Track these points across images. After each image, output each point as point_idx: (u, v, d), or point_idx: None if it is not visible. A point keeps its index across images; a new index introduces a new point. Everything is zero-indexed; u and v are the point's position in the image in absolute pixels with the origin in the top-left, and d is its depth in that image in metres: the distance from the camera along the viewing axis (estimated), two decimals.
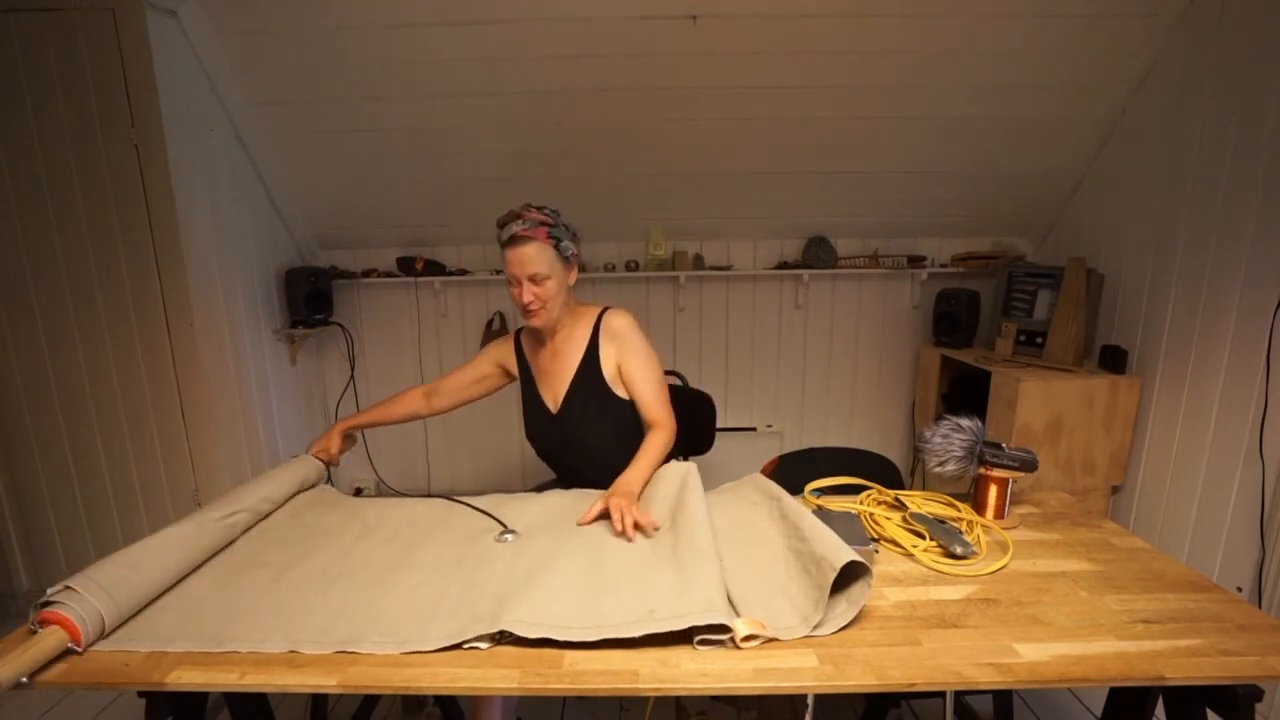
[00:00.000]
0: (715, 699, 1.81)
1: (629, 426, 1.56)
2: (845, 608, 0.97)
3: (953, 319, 2.82)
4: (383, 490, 3.25)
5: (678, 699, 1.84)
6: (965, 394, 2.75)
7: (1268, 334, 1.81)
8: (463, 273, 2.98)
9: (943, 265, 3.01)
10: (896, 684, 0.86)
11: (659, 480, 1.37)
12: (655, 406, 1.49)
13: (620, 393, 1.53)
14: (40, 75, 2.00)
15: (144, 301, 2.16)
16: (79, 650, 0.90)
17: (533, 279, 1.42)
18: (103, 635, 0.94)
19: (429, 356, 3.14)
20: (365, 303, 3.08)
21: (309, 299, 2.75)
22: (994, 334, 2.73)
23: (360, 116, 2.41)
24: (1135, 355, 2.35)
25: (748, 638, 0.91)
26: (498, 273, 2.98)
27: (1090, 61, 2.26)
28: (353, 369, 3.12)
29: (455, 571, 1.10)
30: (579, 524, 1.25)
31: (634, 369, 1.50)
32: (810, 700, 1.50)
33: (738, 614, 0.95)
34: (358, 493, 3.24)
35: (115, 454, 2.28)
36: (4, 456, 2.29)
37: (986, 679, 0.87)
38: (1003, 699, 1.64)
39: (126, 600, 0.97)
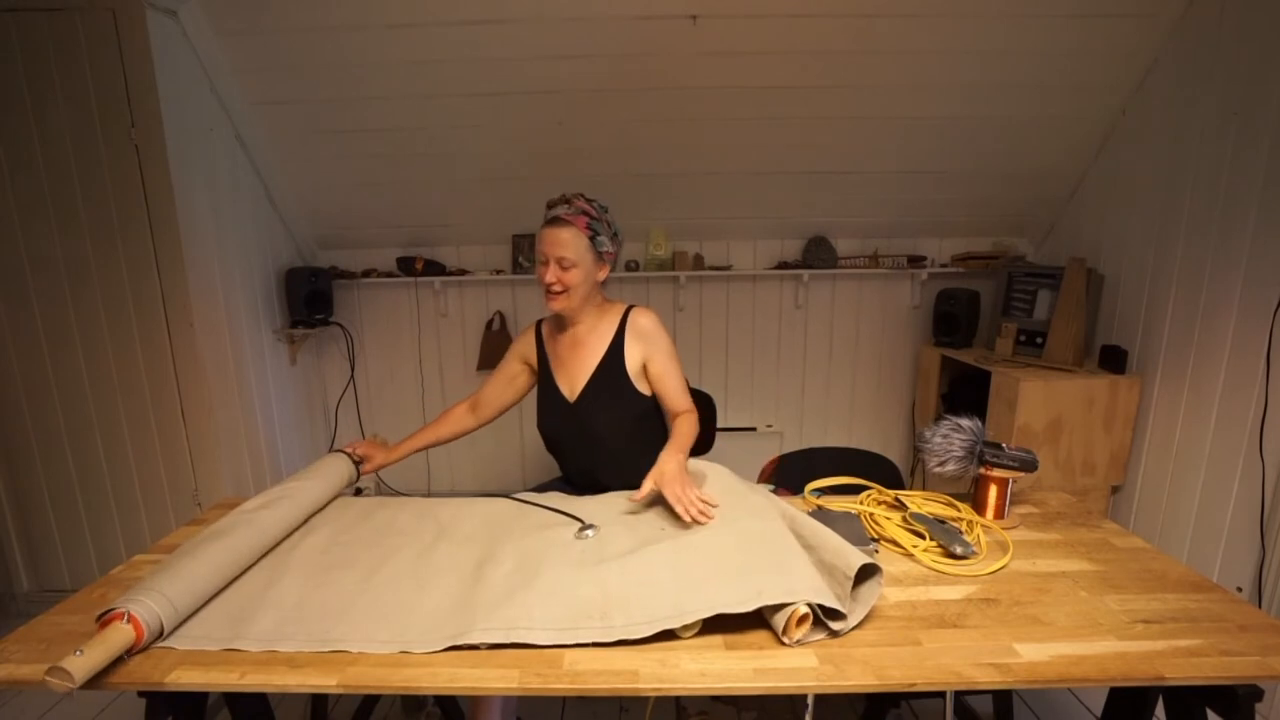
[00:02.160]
0: (715, 699, 1.81)
1: (642, 422, 1.57)
2: (856, 608, 0.97)
3: (953, 319, 2.82)
4: (383, 490, 3.24)
5: (678, 699, 1.84)
6: (965, 394, 2.75)
7: (1268, 334, 1.81)
8: (463, 273, 2.98)
9: (943, 265, 3.01)
10: (896, 684, 0.86)
11: (718, 478, 1.37)
12: (682, 397, 1.55)
13: (641, 388, 1.55)
14: (40, 75, 2.00)
15: (144, 301, 2.16)
16: (126, 656, 0.89)
17: (560, 262, 1.44)
18: (160, 637, 0.94)
19: (429, 356, 3.14)
20: (365, 303, 3.08)
21: (309, 299, 2.75)
22: (994, 334, 2.73)
23: (360, 116, 2.41)
24: (1135, 355, 2.35)
25: (802, 619, 0.92)
26: (498, 272, 2.98)
27: (1090, 61, 2.26)
28: (353, 369, 3.12)
29: (543, 563, 1.10)
30: (632, 499, 1.28)
31: (663, 366, 1.54)
32: (810, 700, 1.50)
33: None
34: (358, 493, 3.23)
35: (115, 454, 2.28)
36: (4, 456, 2.29)
37: (986, 679, 0.87)
38: (1003, 699, 1.64)
39: (184, 608, 0.97)
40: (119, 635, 0.87)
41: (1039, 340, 2.56)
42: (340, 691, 0.86)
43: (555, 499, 1.42)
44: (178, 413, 2.25)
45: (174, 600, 0.94)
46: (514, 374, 1.69)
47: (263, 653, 0.92)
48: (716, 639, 0.95)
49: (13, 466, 2.30)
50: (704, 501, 1.21)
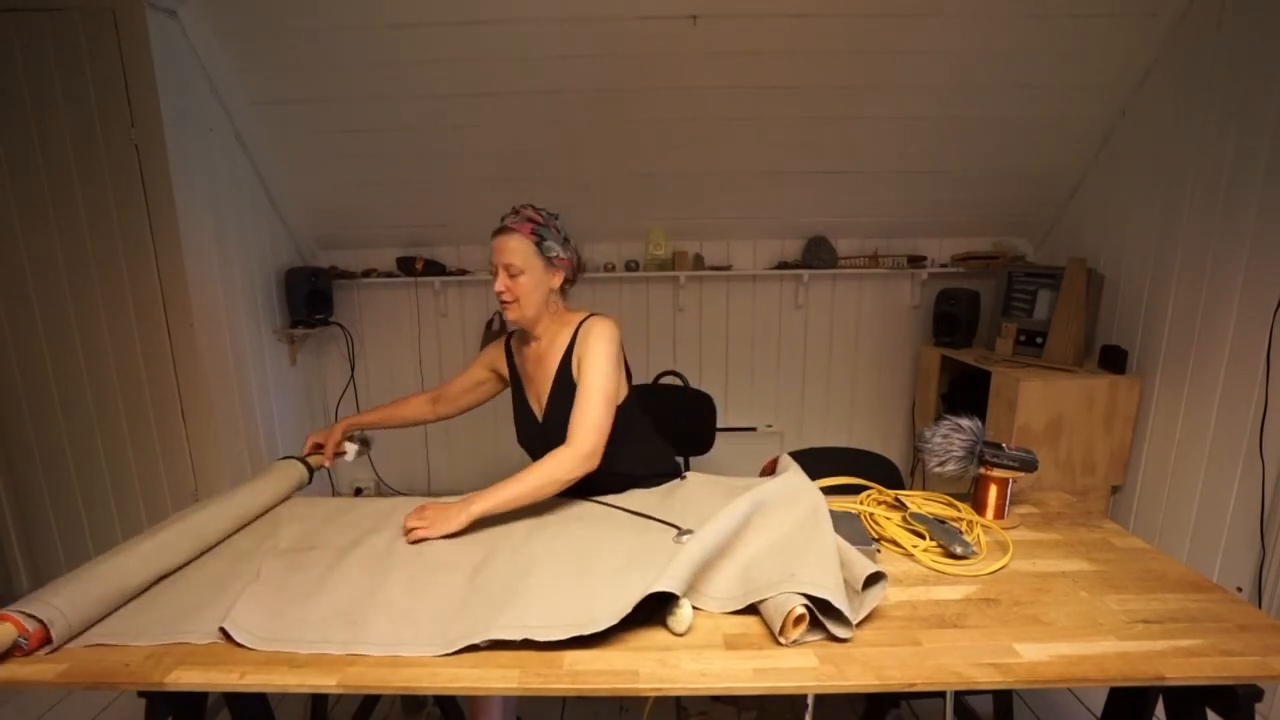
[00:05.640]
0: (715, 699, 1.81)
1: (612, 435, 1.49)
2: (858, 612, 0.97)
3: (953, 319, 2.82)
4: (383, 490, 3.24)
5: (678, 699, 1.84)
6: (965, 394, 2.75)
7: (1268, 334, 1.81)
8: (463, 273, 2.98)
9: (943, 265, 3.01)
10: (896, 684, 0.86)
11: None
12: (576, 418, 1.35)
13: None
14: (40, 75, 2.00)
15: (144, 301, 2.16)
16: (24, 646, 0.90)
17: (507, 269, 1.42)
18: (47, 642, 0.92)
19: (429, 356, 3.14)
20: (365, 303, 3.08)
21: (309, 299, 2.75)
22: (994, 334, 2.73)
23: (360, 116, 2.41)
24: (1135, 355, 2.35)
25: (799, 619, 0.93)
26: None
27: (1090, 61, 2.26)
28: (353, 369, 3.12)
29: (652, 563, 1.12)
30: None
31: (581, 377, 1.41)
32: (810, 700, 1.50)
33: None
34: (358, 493, 3.24)
35: (115, 454, 2.28)
36: (4, 456, 2.29)
37: (986, 679, 0.87)
38: (1003, 699, 1.64)
39: (84, 606, 0.96)
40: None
41: (1039, 340, 2.56)
42: (340, 691, 0.86)
43: (634, 502, 1.42)
44: (178, 412, 2.25)
45: (62, 604, 0.93)
46: (480, 380, 1.69)
47: (263, 652, 0.92)
48: (717, 639, 0.95)
49: (13, 466, 2.30)
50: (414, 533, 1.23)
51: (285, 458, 1.54)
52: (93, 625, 0.97)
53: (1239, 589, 1.90)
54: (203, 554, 1.20)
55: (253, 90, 2.33)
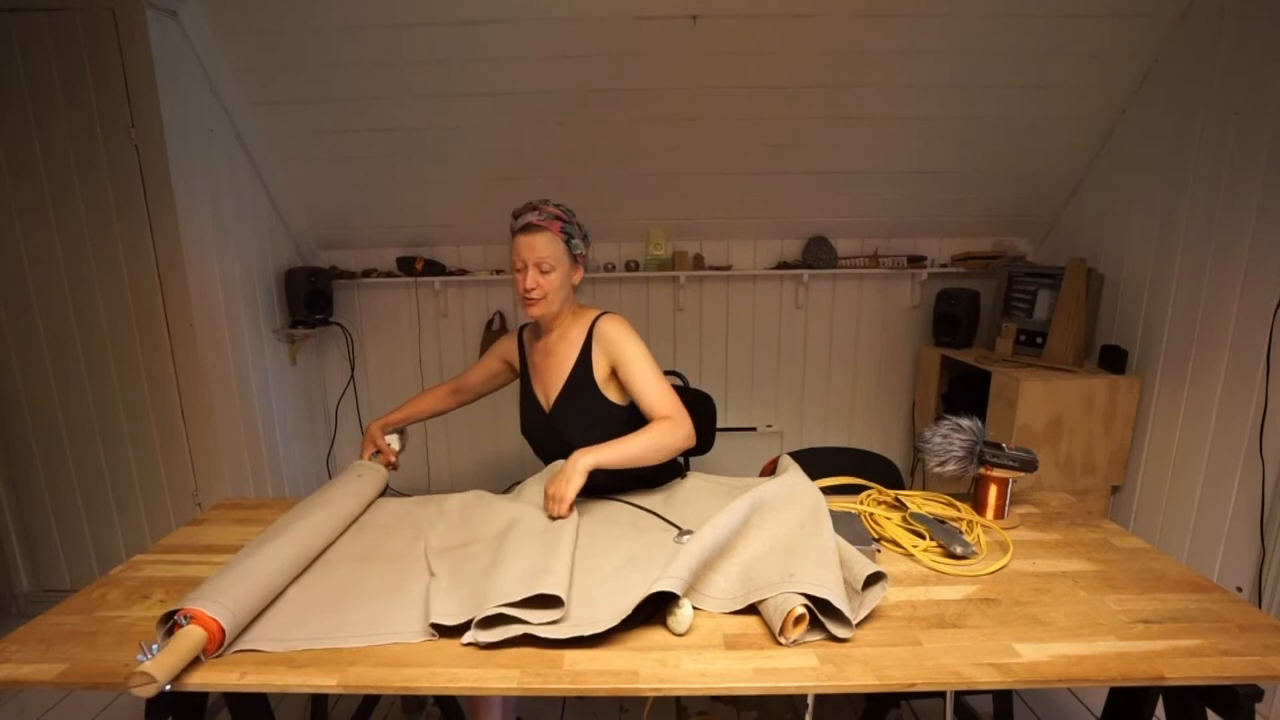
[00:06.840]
0: (715, 699, 1.81)
1: (616, 431, 1.50)
2: (859, 612, 0.97)
3: (953, 319, 2.82)
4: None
5: (678, 699, 1.84)
6: (965, 394, 2.75)
7: (1268, 334, 1.82)
8: (463, 273, 2.98)
9: (943, 265, 3.01)
10: (896, 684, 0.86)
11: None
12: (659, 401, 1.43)
13: (612, 397, 1.53)
14: (40, 75, 2.00)
15: (144, 301, 2.16)
16: (203, 657, 0.88)
17: (538, 266, 1.44)
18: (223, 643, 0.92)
19: (429, 356, 3.14)
20: (365, 303, 3.08)
21: (309, 299, 2.75)
22: (994, 334, 2.73)
23: (360, 116, 2.41)
24: (1135, 355, 2.35)
25: (799, 619, 0.93)
26: (498, 272, 2.98)
27: (1090, 61, 2.26)
28: (353, 369, 3.12)
29: (651, 562, 1.13)
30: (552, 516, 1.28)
31: (630, 373, 1.47)
32: (810, 700, 1.51)
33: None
34: None
35: (115, 454, 2.28)
36: (4, 456, 2.29)
37: (986, 679, 0.87)
38: (1003, 699, 1.64)
39: (244, 614, 0.95)
40: (192, 637, 0.86)
41: (1039, 340, 2.56)
42: (340, 691, 0.86)
43: (651, 503, 1.44)
44: (178, 413, 2.25)
45: (233, 608, 0.92)
46: (496, 371, 1.73)
47: (263, 653, 0.92)
48: (717, 639, 0.95)
49: (13, 466, 2.30)
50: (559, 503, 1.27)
51: (358, 462, 1.58)
52: (245, 629, 0.95)
53: (1239, 589, 1.90)
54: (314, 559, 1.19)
55: (253, 90, 2.32)
